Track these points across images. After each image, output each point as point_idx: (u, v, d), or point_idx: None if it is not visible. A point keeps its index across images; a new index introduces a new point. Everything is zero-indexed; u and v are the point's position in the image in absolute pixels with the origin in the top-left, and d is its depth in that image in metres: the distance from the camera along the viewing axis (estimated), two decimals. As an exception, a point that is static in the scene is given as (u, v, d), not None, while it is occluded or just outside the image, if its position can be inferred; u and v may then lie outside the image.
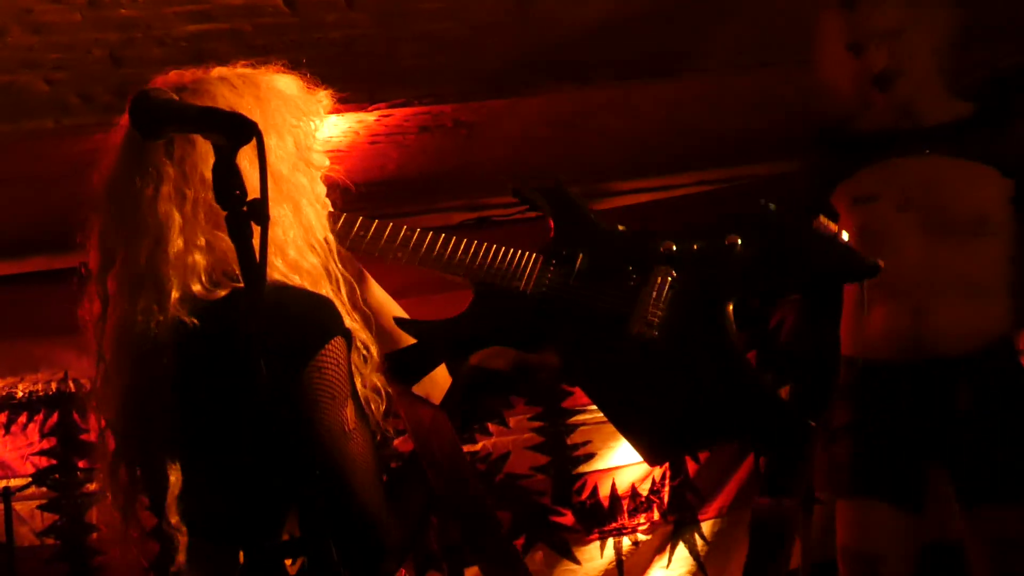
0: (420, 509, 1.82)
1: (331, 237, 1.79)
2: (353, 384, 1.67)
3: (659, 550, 4.58)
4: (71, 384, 4.42)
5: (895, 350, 2.60)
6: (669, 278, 1.99)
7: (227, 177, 1.45)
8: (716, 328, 2.00)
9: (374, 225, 2.00)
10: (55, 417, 4.42)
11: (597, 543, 4.61)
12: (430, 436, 1.95)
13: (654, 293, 1.97)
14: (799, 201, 2.77)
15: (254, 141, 1.43)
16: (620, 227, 2.12)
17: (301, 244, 1.74)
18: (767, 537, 3.08)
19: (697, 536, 4.52)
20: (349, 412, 1.63)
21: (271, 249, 1.62)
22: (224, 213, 1.45)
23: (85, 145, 3.23)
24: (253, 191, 1.43)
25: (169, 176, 1.68)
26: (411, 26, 3.08)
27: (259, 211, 1.43)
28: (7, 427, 4.39)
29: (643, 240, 2.05)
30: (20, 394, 4.43)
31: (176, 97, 1.57)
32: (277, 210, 1.65)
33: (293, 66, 3.13)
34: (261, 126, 1.45)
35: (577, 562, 4.58)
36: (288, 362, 1.58)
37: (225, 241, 1.59)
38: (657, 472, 4.50)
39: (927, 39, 2.58)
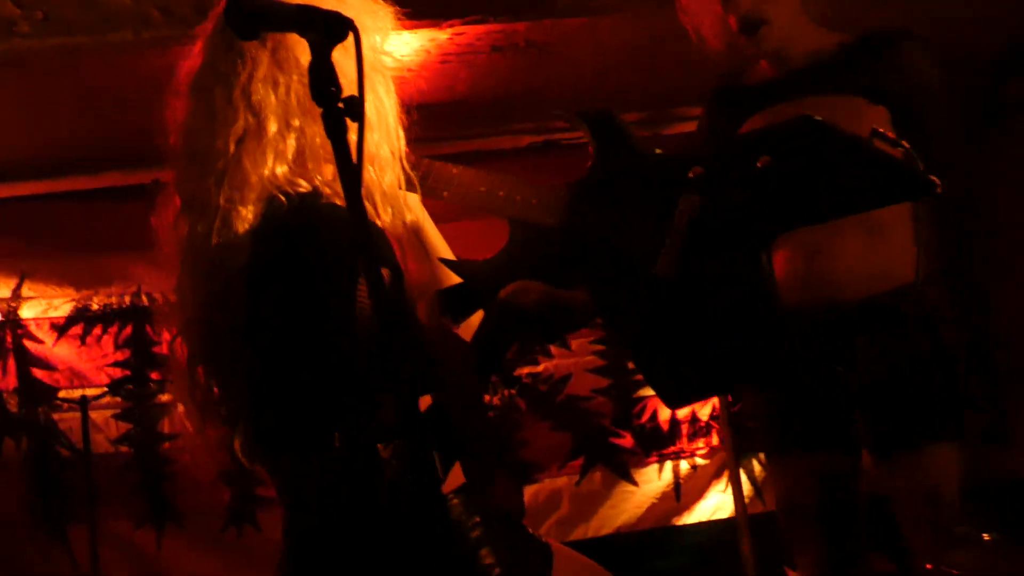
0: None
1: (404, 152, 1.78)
2: None
3: (717, 475, 4.62)
4: (144, 298, 4.49)
5: (793, 297, 2.34)
6: (696, 209, 1.86)
7: (323, 74, 1.45)
8: (745, 265, 1.89)
9: (421, 164, 1.96)
10: (129, 329, 4.49)
11: (656, 466, 4.66)
12: (455, 372, 1.93)
13: (680, 226, 1.86)
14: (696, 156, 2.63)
15: (350, 38, 1.42)
16: (657, 151, 2.02)
17: (383, 155, 1.75)
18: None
19: (755, 462, 4.53)
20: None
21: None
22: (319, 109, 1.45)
23: (163, 60, 3.30)
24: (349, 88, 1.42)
25: (263, 62, 1.69)
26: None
27: (355, 108, 1.43)
28: (83, 339, 4.48)
29: (675, 165, 1.92)
30: (95, 307, 4.51)
31: None
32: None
33: None
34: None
35: (635, 483, 4.63)
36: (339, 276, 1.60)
37: (318, 132, 1.63)
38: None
39: None
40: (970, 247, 3.72)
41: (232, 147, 1.67)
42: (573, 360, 4.65)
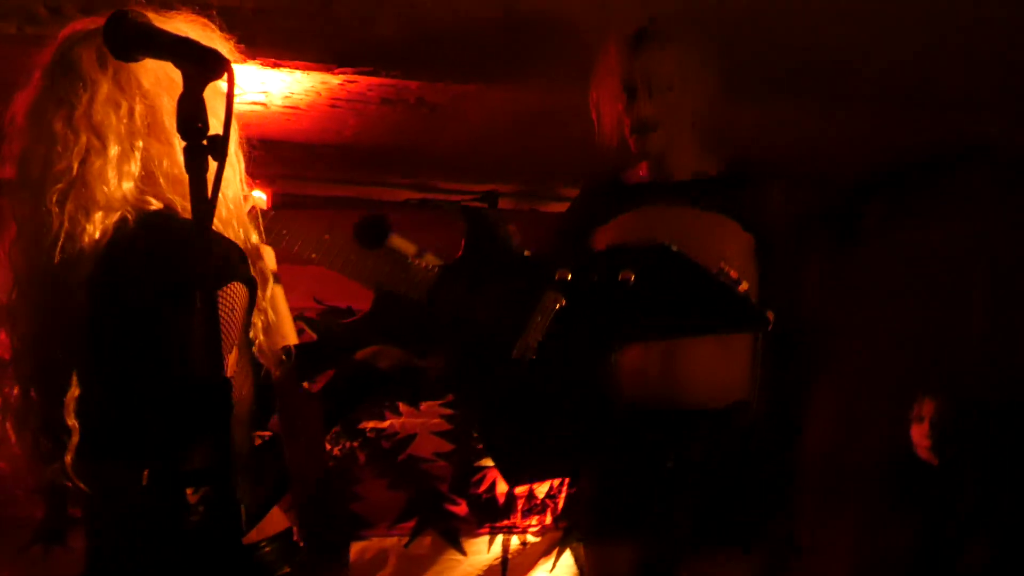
0: (274, 484, 1.86)
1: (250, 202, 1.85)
2: (246, 334, 1.71)
3: (545, 553, 4.63)
4: None
5: (641, 394, 2.55)
6: (557, 306, 2.06)
7: (192, 108, 1.45)
8: (593, 361, 2.08)
9: (295, 225, 2.14)
10: None
11: (487, 537, 4.65)
12: (297, 422, 1.95)
13: (539, 318, 2.05)
14: (560, 241, 2.87)
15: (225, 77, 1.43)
16: (526, 252, 2.21)
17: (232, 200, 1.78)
18: None
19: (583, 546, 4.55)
20: (231, 358, 1.67)
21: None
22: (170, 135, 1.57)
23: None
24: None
25: (103, 85, 1.69)
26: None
27: (219, 147, 1.43)
28: None
29: (542, 266, 2.13)
30: None
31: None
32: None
33: (264, 16, 3.05)
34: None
35: (464, 553, 4.61)
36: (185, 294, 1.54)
37: (164, 156, 1.68)
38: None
39: (690, 99, 2.66)
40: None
41: (75, 167, 1.65)
42: (420, 420, 4.63)
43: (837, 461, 4.50)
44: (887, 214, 4.42)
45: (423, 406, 4.61)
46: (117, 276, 1.65)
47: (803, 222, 2.85)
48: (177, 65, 1.48)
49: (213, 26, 1.82)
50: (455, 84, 3.47)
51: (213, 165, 1.42)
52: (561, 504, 4.60)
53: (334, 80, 3.45)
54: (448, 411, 4.61)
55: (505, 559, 4.66)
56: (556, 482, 4.55)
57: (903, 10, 3.01)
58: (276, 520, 1.85)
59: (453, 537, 4.60)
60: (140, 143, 1.69)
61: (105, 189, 1.65)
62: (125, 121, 1.69)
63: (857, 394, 4.60)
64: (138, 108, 1.70)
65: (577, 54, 3.15)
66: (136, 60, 1.61)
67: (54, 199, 1.65)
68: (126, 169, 1.68)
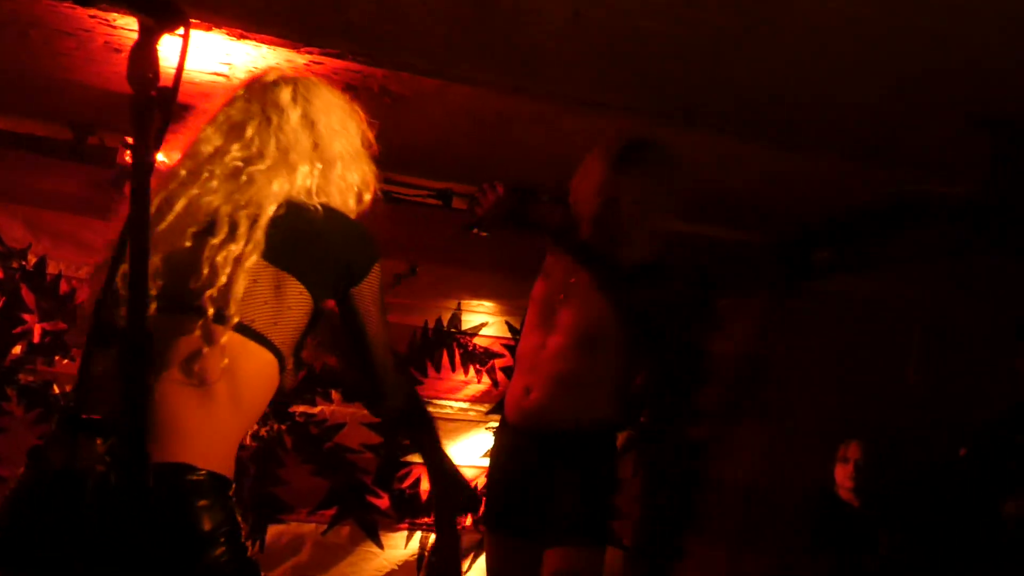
0: None
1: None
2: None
3: (463, 556, 4.66)
4: None
5: (515, 416, 3.27)
6: None
7: (145, 60, 1.48)
8: None
9: None
10: None
11: (405, 533, 4.70)
12: None
13: None
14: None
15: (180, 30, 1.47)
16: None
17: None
18: None
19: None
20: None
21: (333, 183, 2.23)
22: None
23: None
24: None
25: (293, 114, 2.24)
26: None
27: (167, 100, 1.49)
28: None
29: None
30: None
31: None
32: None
33: None
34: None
35: (381, 547, 4.65)
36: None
37: (330, 169, 2.23)
38: (481, 481, 4.57)
39: (652, 209, 3.24)
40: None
41: (262, 167, 2.17)
42: (351, 411, 4.65)
43: (761, 493, 4.60)
44: (834, 261, 4.53)
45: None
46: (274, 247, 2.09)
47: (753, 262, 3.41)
48: (134, 14, 1.50)
49: None
50: (421, 76, 3.45)
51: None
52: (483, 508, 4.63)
53: (299, 59, 3.42)
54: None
55: (421, 555, 4.70)
56: (481, 485, 4.55)
57: (862, 62, 3.10)
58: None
59: (372, 529, 4.64)
60: (317, 164, 2.19)
61: (285, 180, 2.14)
62: (306, 143, 2.20)
63: (787, 429, 4.70)
64: (314, 134, 2.21)
65: (547, 64, 3.19)
66: (95, 5, 1.70)
67: (215, 183, 2.13)
68: (297, 177, 2.16)
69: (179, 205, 2.15)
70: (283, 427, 4.54)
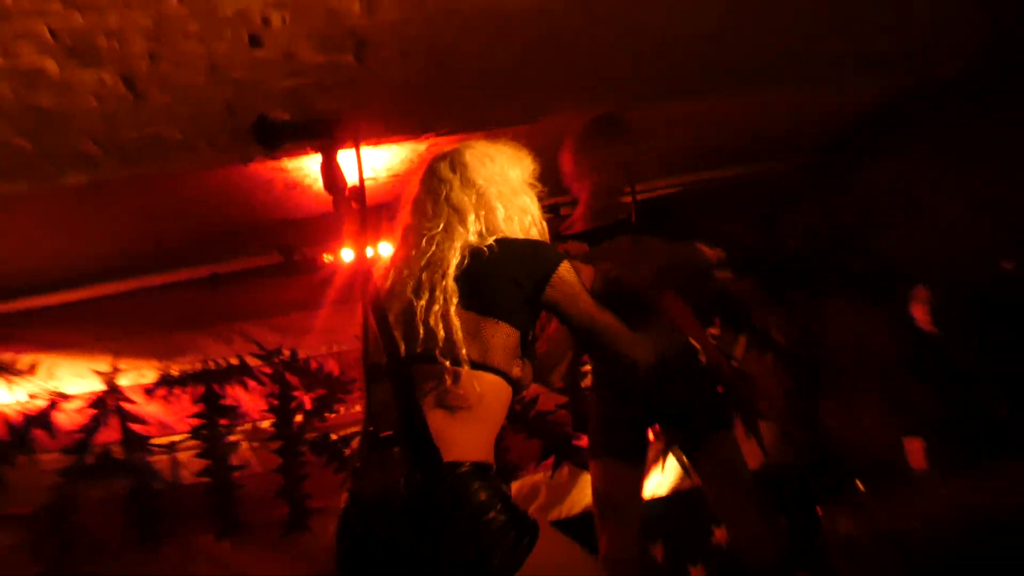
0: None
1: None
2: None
3: (653, 461, 4.88)
4: (210, 363, 5.20)
5: None
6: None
7: (332, 170, 1.98)
8: None
9: None
10: (201, 389, 5.18)
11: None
12: None
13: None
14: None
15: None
16: None
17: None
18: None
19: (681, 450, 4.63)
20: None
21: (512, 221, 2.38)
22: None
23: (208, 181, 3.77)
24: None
25: (455, 182, 2.44)
26: (462, 66, 3.22)
27: (359, 195, 2.01)
28: (167, 397, 5.17)
29: None
30: (175, 373, 5.19)
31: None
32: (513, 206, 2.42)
33: (360, 106, 3.17)
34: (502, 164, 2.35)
35: (595, 476, 4.89)
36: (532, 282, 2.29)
37: (493, 214, 2.42)
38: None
39: (614, 178, 3.63)
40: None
41: (439, 229, 2.41)
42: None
43: (859, 348, 4.94)
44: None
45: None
46: (471, 278, 2.28)
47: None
48: (313, 141, 1.97)
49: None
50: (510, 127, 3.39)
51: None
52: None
53: (420, 146, 3.77)
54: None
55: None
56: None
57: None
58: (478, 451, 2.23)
59: (584, 464, 4.84)
60: (481, 212, 2.40)
61: (459, 233, 2.35)
62: (470, 199, 2.40)
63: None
64: (476, 190, 2.41)
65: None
66: (278, 147, 2.11)
67: (413, 253, 2.36)
68: (468, 227, 2.36)
69: (394, 273, 2.41)
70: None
